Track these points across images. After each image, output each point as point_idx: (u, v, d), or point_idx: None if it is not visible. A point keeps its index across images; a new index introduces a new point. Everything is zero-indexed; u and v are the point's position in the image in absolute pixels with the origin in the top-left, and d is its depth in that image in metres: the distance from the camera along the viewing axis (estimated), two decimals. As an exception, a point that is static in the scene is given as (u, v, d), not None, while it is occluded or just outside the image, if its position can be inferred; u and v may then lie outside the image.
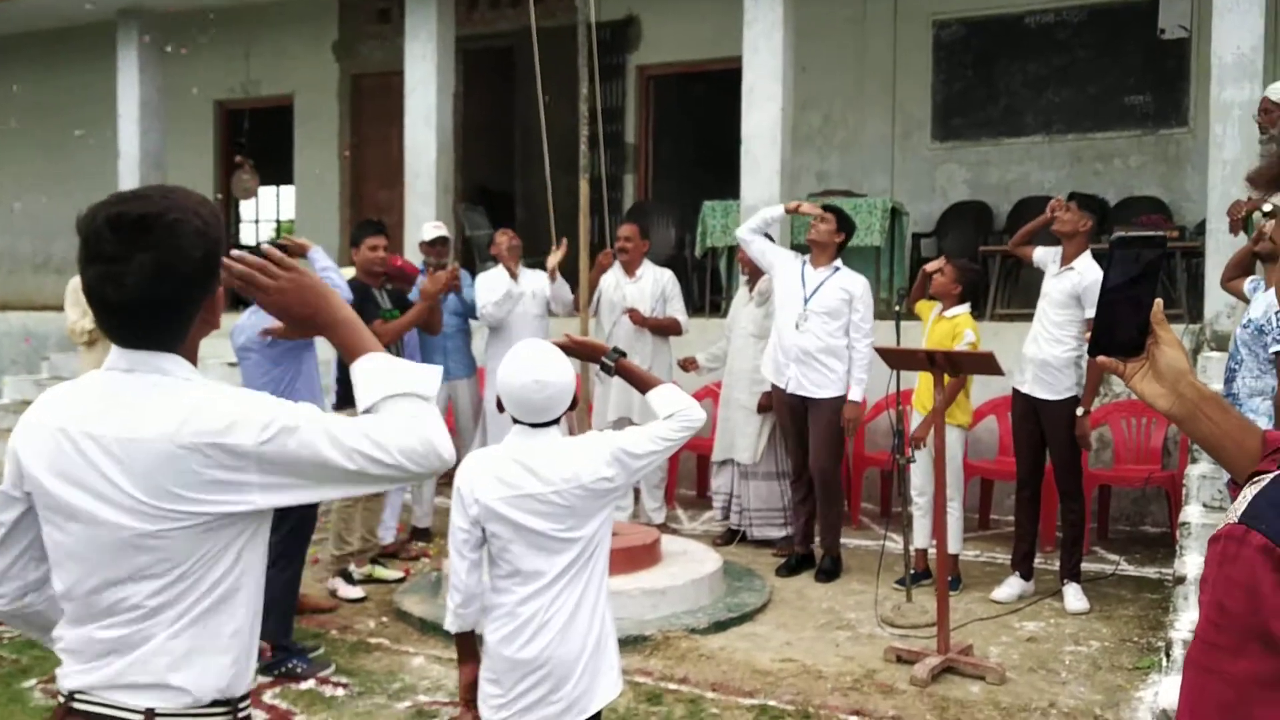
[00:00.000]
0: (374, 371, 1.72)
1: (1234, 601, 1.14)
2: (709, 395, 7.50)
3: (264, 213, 16.35)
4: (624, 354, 2.93)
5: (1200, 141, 7.75)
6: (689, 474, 8.01)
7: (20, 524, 1.79)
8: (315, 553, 6.06)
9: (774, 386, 6.21)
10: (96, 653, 1.70)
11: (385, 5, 10.95)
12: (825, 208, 6.29)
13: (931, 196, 9.41)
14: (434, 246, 7.00)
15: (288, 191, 14.92)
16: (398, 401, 1.69)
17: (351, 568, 5.95)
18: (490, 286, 6.84)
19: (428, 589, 5.76)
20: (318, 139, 11.69)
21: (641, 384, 2.89)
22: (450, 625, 2.87)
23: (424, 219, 8.87)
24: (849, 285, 6.04)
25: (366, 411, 1.71)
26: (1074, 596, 5.52)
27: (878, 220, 7.90)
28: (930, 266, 5.93)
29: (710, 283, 8.91)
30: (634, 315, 6.79)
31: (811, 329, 5.98)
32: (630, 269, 6.98)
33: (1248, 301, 4.66)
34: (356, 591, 5.80)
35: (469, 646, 2.90)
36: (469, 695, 2.84)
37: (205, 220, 1.70)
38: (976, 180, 9.37)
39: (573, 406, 2.84)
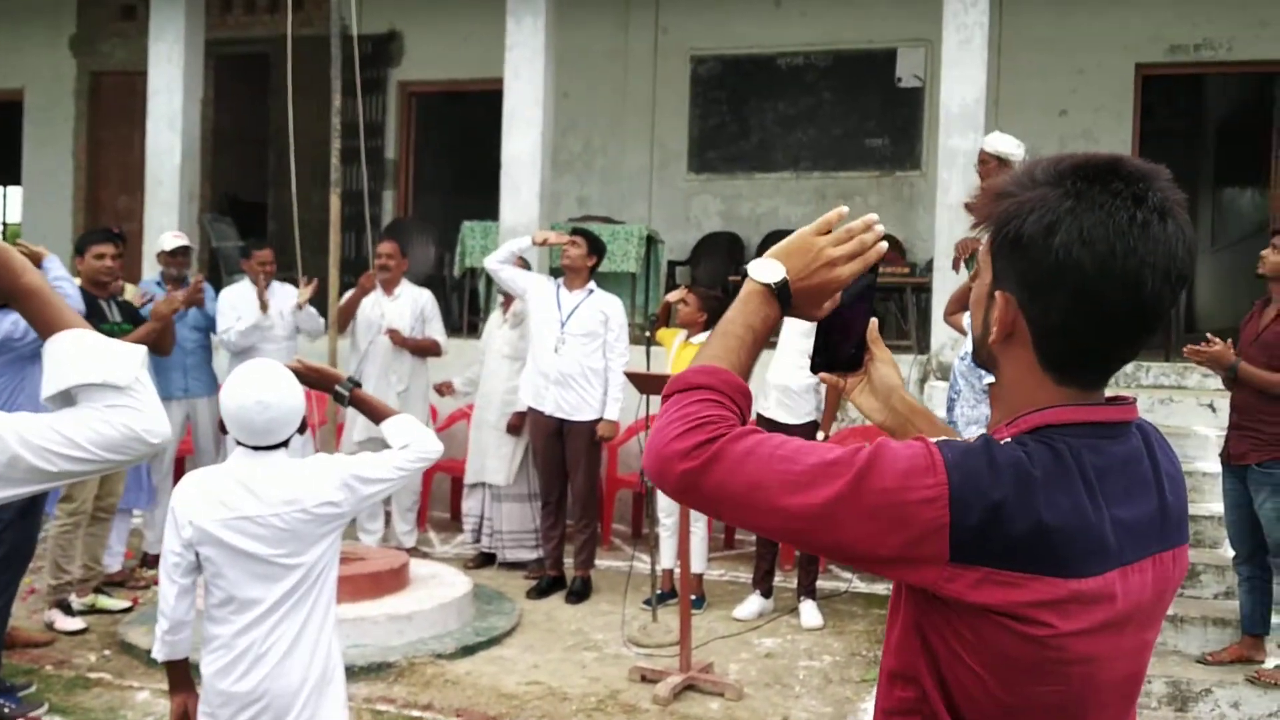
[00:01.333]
0: (65, 355, 1.55)
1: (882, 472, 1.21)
2: (463, 418, 7.44)
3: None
4: (359, 384, 2.87)
5: (931, 184, 8.31)
6: (442, 496, 7.91)
7: None
8: (31, 582, 5.63)
9: (530, 409, 6.23)
10: None
11: (130, 2, 10.36)
12: (576, 231, 6.38)
13: (686, 226, 9.70)
14: (174, 257, 6.66)
15: (14, 193, 13.86)
16: (89, 392, 1.54)
17: (73, 598, 5.55)
18: (235, 306, 6.56)
19: (155, 620, 5.44)
20: (50, 138, 10.91)
21: (376, 414, 2.85)
22: (158, 653, 2.76)
23: (166, 228, 8.40)
24: (604, 307, 6.14)
25: (52, 398, 1.55)
26: (810, 613, 5.78)
27: (634, 247, 8.07)
28: (671, 297, 6.13)
29: (469, 303, 8.85)
30: (394, 335, 6.67)
31: (569, 352, 6.03)
32: (389, 288, 6.85)
33: (966, 335, 5.02)
34: (76, 623, 5.41)
35: (181, 675, 2.79)
36: None
37: None
38: (729, 211, 9.72)
39: (301, 430, 2.75)
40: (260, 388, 2.64)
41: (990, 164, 4.96)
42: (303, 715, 2.63)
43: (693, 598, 5.88)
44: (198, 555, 2.65)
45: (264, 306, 6.57)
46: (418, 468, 2.76)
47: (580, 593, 6.09)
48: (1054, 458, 1.23)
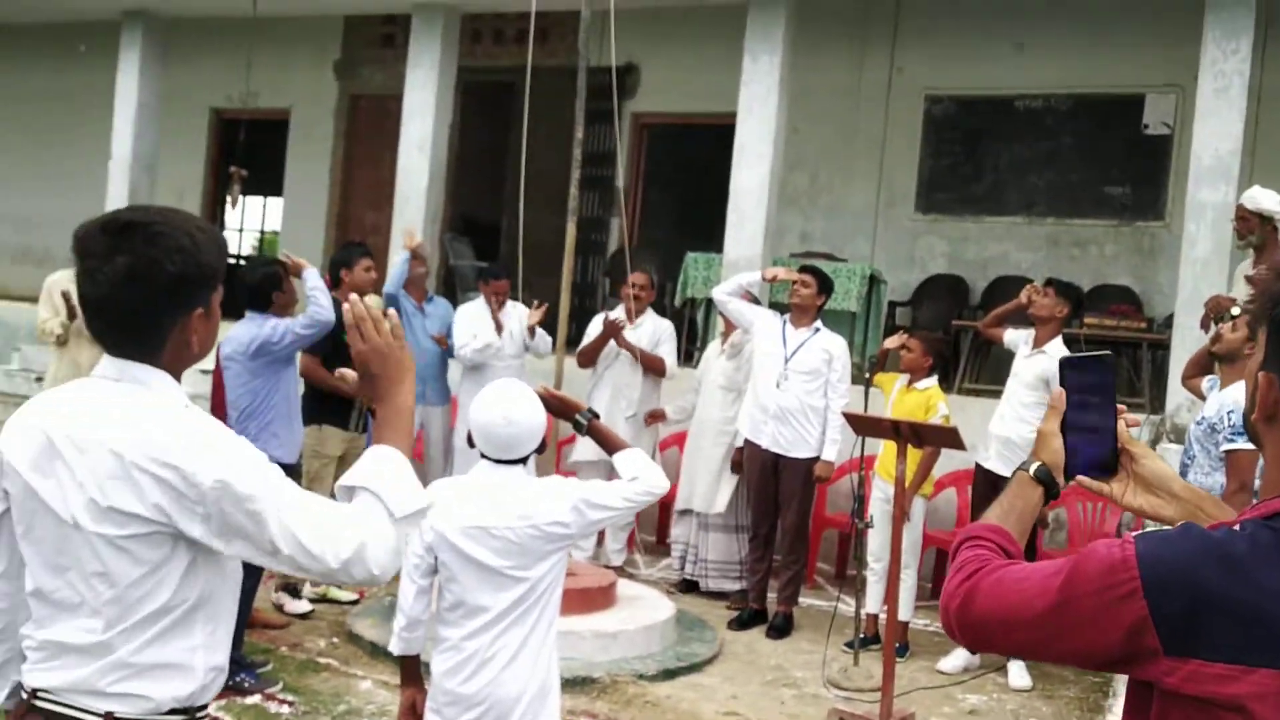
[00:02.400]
0: (375, 461, 1.79)
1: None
2: (675, 444, 7.56)
3: (248, 222, 16.36)
4: (597, 415, 3.00)
5: (1174, 236, 7.94)
6: (650, 520, 8.06)
7: (2, 524, 1.83)
8: (271, 568, 6.06)
9: (747, 442, 6.29)
10: (61, 656, 1.74)
11: (390, 30, 11.07)
12: (806, 269, 6.40)
13: (910, 266, 9.57)
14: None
15: (275, 203, 14.98)
16: (367, 499, 1.75)
17: (307, 585, 5.95)
18: (472, 324, 6.91)
19: (381, 613, 5.77)
20: (310, 154, 11.75)
21: (610, 445, 2.97)
22: (394, 648, 2.94)
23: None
24: (829, 346, 6.16)
25: (344, 489, 1.79)
26: (1018, 673, 5.60)
27: (856, 286, 8.03)
28: (891, 342, 6.08)
29: (687, 333, 9.00)
30: (621, 339, 6.80)
31: (791, 388, 6.07)
32: (634, 316, 7.03)
33: (1205, 399, 4.79)
34: (303, 606, 5.80)
35: (412, 671, 2.96)
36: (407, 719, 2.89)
37: (196, 243, 1.77)
38: (955, 254, 9.54)
39: (541, 450, 2.90)
40: (508, 405, 2.80)
41: (1250, 221, 4.73)
42: None
43: (897, 645, 5.81)
44: (436, 558, 2.82)
45: (498, 329, 6.90)
46: (644, 501, 2.86)
47: (782, 628, 6.10)
48: (1272, 539, 1.20)
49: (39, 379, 9.04)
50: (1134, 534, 1.25)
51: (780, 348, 6.14)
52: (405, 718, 2.90)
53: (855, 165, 9.77)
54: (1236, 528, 1.23)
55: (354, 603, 6.06)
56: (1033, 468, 1.54)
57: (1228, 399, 4.04)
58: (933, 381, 5.97)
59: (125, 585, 1.72)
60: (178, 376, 1.83)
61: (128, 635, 1.73)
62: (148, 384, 1.78)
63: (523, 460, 2.86)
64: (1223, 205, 6.66)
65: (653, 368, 6.94)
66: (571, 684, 4.96)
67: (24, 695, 1.78)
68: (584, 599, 5.55)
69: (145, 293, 1.74)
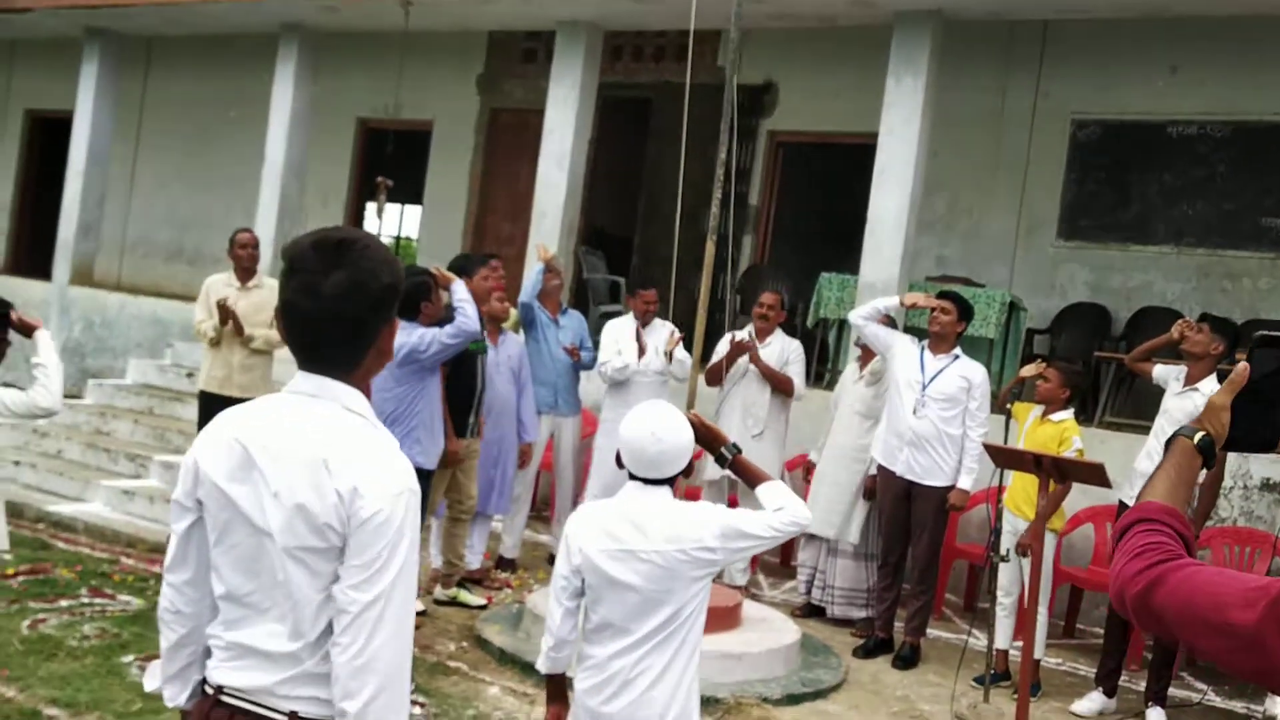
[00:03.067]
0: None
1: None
2: (797, 466, 7.52)
3: (386, 228, 16.84)
4: (740, 450, 3.01)
5: (1335, 272, 7.59)
6: (774, 540, 8.01)
7: (193, 533, 1.92)
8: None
9: (880, 469, 6.22)
10: (249, 658, 1.83)
11: (532, 46, 11.28)
12: (945, 294, 6.30)
13: (1050, 294, 9.34)
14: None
15: (413, 211, 15.38)
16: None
17: (437, 589, 6.08)
18: (617, 341, 7.00)
19: (509, 619, 5.87)
20: (451, 166, 12.04)
21: (753, 479, 2.97)
22: (541, 666, 2.99)
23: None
24: (968, 373, 6.05)
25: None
26: (1157, 718, 5.41)
27: (995, 312, 7.87)
28: (1027, 371, 5.93)
29: (819, 353, 8.94)
30: (755, 356, 6.80)
31: (929, 415, 5.99)
32: (763, 336, 7.03)
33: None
34: (417, 605, 5.91)
35: (558, 688, 3.01)
36: None
37: (391, 256, 1.89)
38: (1098, 283, 9.27)
39: (687, 473, 2.92)
40: (657, 422, 2.84)
41: None
42: None
43: (1031, 683, 5.67)
44: (583, 581, 2.86)
45: (640, 351, 6.97)
46: (790, 532, 2.86)
47: (909, 659, 6.01)
48: None
49: (189, 375, 9.43)
50: None
51: (918, 374, 6.06)
52: None
53: (996, 190, 9.59)
54: None
55: (483, 607, 6.17)
56: (1197, 436, 1.56)
57: None
58: (1069, 414, 5.82)
59: (304, 594, 1.79)
60: (367, 392, 1.91)
61: (313, 648, 1.80)
62: (349, 406, 1.86)
63: (669, 481, 2.89)
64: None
65: (781, 388, 6.91)
66: (696, 703, 4.97)
67: (208, 690, 1.87)
68: (709, 618, 5.51)
69: (363, 303, 1.83)
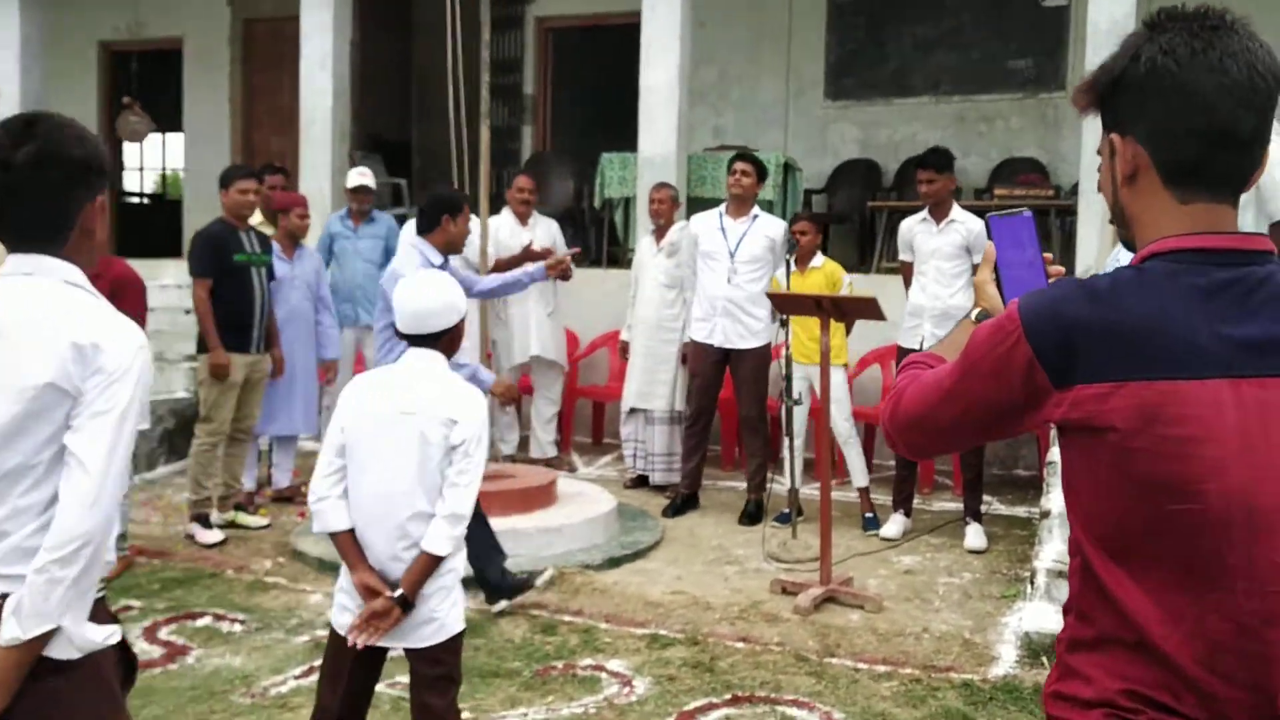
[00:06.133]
0: None
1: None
2: (609, 343, 7.63)
3: (149, 160, 15.89)
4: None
5: (1076, 105, 8.08)
6: (585, 420, 8.15)
7: None
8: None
9: (693, 342, 6.37)
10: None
11: (278, -52, 10.72)
12: (742, 156, 6.43)
13: (823, 154, 9.65)
14: (357, 194, 7.31)
15: (174, 139, 14.53)
16: None
17: (213, 513, 5.90)
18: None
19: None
20: (207, 85, 11.42)
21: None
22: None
23: (319, 166, 8.80)
24: (770, 231, 6.23)
25: None
26: (975, 535, 5.80)
27: (772, 175, 8.07)
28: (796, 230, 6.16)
29: (609, 234, 9.01)
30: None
31: (740, 280, 6.15)
32: (524, 219, 7.10)
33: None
34: (215, 536, 5.77)
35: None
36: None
37: (88, 134, 1.90)
38: (866, 139, 9.63)
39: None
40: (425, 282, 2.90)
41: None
42: None
43: (868, 515, 6.04)
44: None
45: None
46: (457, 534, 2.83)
47: (755, 515, 6.16)
48: (1135, 274, 1.33)
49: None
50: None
51: (723, 241, 6.20)
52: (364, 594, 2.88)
53: (763, 57, 9.78)
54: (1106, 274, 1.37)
55: (265, 527, 6.01)
56: (974, 313, 1.67)
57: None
58: (825, 258, 6.18)
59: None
60: (83, 263, 1.90)
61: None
62: (62, 274, 1.85)
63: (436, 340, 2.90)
64: (1120, 69, 6.78)
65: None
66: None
67: None
68: (525, 498, 5.64)
69: (56, 177, 1.82)
